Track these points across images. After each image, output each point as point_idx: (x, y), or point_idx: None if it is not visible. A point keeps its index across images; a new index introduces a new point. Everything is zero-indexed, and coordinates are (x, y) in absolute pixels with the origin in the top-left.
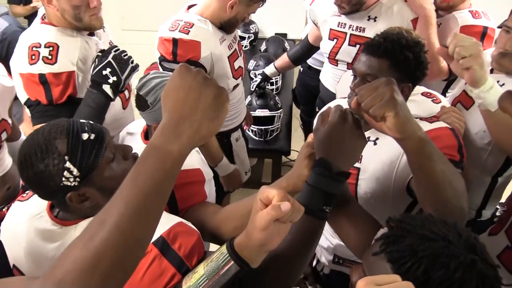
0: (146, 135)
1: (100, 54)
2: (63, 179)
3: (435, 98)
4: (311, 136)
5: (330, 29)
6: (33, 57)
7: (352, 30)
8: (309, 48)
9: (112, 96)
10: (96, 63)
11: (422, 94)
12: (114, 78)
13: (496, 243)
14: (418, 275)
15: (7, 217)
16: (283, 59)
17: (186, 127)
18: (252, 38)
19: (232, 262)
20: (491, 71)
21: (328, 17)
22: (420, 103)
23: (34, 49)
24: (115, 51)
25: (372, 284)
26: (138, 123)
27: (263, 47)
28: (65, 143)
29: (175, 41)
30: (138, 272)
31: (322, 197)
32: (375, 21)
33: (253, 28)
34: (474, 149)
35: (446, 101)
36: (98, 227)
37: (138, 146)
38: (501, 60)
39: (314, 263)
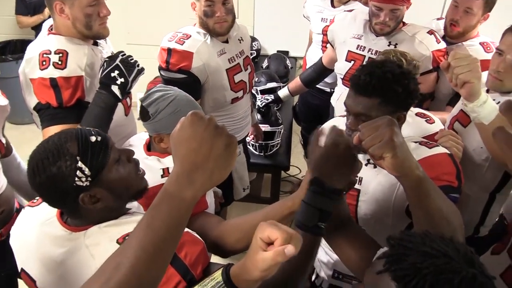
0: (149, 147)
1: (108, 58)
2: (76, 179)
3: (429, 118)
4: None
5: (349, 51)
6: (44, 63)
7: (371, 53)
8: (322, 71)
9: (120, 97)
10: (105, 66)
11: (416, 114)
12: (122, 80)
13: (499, 262)
14: None
15: (17, 222)
16: (296, 83)
17: (199, 175)
18: (255, 54)
19: None
20: (487, 91)
21: (348, 38)
22: (413, 124)
23: (44, 55)
24: (122, 55)
25: None
26: (140, 136)
27: (265, 64)
28: (76, 146)
29: (169, 51)
30: None
31: (317, 214)
32: (395, 47)
33: (255, 45)
34: (472, 165)
35: (439, 122)
36: (113, 270)
37: (140, 157)
38: None
39: (313, 277)
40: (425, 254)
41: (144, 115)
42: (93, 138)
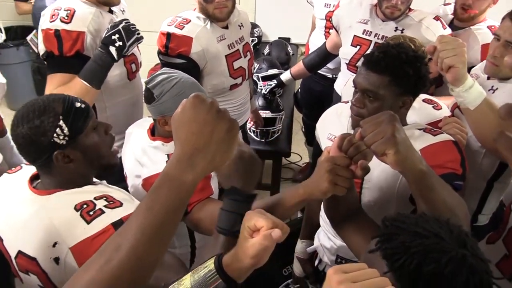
0: (153, 131)
1: (113, 24)
2: (55, 135)
3: (436, 104)
4: (327, 150)
5: (354, 35)
6: (53, 16)
7: (378, 38)
8: (326, 55)
9: (116, 57)
10: (108, 29)
11: (424, 100)
12: (120, 43)
13: (494, 251)
14: (411, 270)
15: None
16: (299, 67)
17: (200, 158)
18: (256, 41)
19: (220, 280)
20: (488, 78)
21: (354, 23)
22: (420, 110)
23: (55, 11)
24: (125, 23)
25: (340, 271)
26: (144, 121)
27: (266, 50)
28: (61, 106)
29: (168, 35)
30: (94, 250)
31: (239, 219)
32: (402, 32)
33: (256, 31)
34: (469, 152)
35: (446, 108)
36: (113, 251)
37: (144, 141)
38: None
39: (316, 262)
40: (415, 234)
41: (149, 97)
42: (77, 104)
